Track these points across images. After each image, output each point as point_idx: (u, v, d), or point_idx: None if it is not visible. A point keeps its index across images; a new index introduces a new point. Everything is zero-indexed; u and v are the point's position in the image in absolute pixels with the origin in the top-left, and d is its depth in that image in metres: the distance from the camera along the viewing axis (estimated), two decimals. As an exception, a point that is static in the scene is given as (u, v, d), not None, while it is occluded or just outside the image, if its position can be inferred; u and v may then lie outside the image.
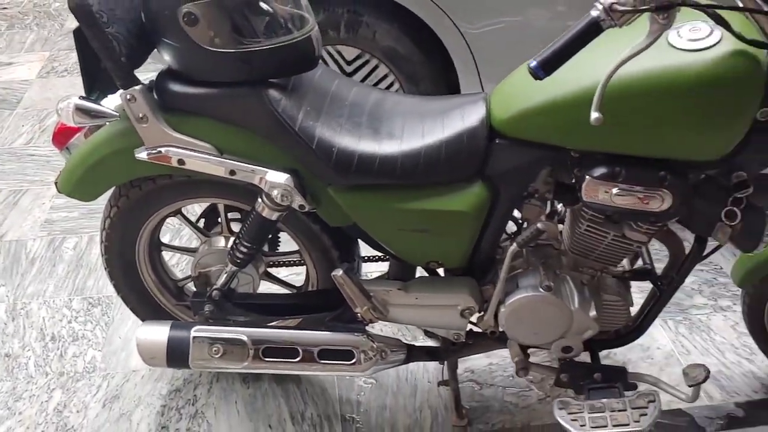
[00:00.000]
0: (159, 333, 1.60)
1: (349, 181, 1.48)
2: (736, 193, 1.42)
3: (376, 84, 2.52)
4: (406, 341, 1.74)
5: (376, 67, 2.49)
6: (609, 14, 1.14)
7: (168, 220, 1.79)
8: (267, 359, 1.60)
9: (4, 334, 2.17)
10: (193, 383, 2.00)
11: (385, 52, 2.42)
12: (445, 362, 1.84)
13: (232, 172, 1.49)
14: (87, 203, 1.80)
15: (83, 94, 1.46)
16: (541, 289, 1.54)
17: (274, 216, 1.54)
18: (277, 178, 1.48)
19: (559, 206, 1.64)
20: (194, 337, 1.58)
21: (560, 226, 1.62)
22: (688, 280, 1.70)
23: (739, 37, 1.24)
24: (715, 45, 1.28)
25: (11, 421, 1.91)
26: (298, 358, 1.60)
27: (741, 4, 1.22)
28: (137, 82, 1.45)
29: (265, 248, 1.85)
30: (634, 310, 1.68)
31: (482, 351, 1.78)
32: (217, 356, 1.58)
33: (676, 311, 2.24)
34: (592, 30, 1.16)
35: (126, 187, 1.66)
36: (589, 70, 1.34)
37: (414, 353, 1.72)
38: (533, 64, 1.18)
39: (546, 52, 1.18)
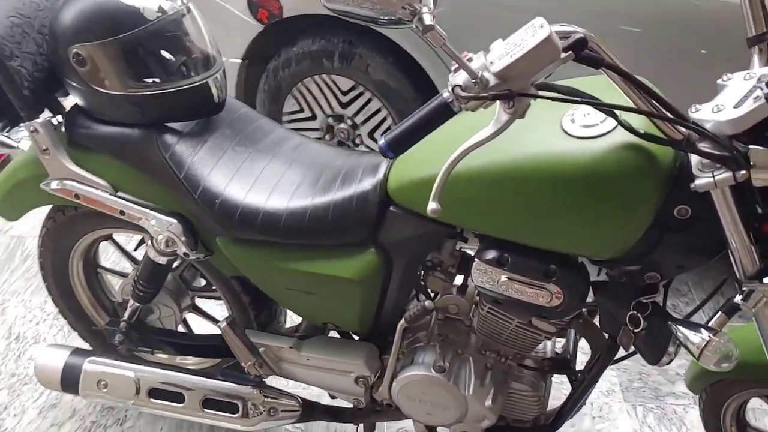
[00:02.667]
0: (56, 358, 1.62)
1: (232, 234, 1.43)
2: (642, 297, 1.26)
3: (369, 118, 2.47)
4: (309, 399, 1.67)
5: (369, 100, 2.42)
6: (457, 98, 1.03)
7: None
8: (153, 400, 1.58)
9: (-23, 328, 2.29)
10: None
11: (378, 86, 2.35)
12: (361, 425, 1.75)
13: (122, 212, 1.48)
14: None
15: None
16: (433, 370, 1.43)
17: (162, 260, 1.52)
18: (161, 223, 1.45)
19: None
20: (85, 369, 1.59)
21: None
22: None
23: (629, 128, 1.09)
24: (606, 134, 1.14)
25: (-47, 415, 2.01)
26: (182, 404, 1.57)
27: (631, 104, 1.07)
28: (40, 112, 1.47)
29: (198, 282, 1.84)
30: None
31: (391, 419, 1.68)
32: (104, 390, 1.58)
33: (651, 396, 2.04)
34: (443, 111, 1.06)
35: (53, 210, 1.69)
36: (492, 148, 1.22)
37: (316, 412, 1.66)
38: (382, 142, 1.09)
39: (396, 130, 1.08)
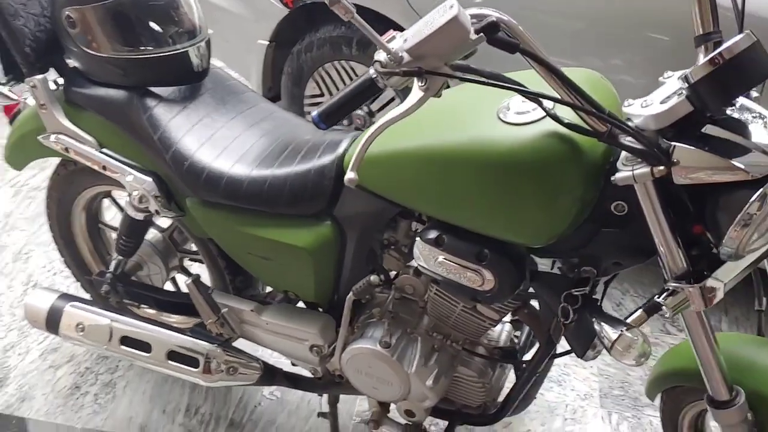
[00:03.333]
0: (44, 300, 1.74)
1: (199, 196, 1.51)
2: (573, 289, 1.27)
3: (384, 105, 2.51)
4: (272, 365, 1.73)
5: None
6: (380, 74, 1.07)
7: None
8: (123, 347, 1.68)
9: (1, 273, 2.46)
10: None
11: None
12: (325, 396, 1.81)
13: (104, 168, 1.58)
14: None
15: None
16: (379, 344, 1.48)
17: (138, 216, 1.61)
18: (137, 180, 1.55)
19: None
20: (66, 311, 1.71)
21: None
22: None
23: (554, 117, 1.11)
24: (534, 122, 1.16)
25: (-34, 348, 2.18)
26: (149, 354, 1.66)
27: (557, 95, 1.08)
28: (45, 71, 1.59)
29: (190, 246, 1.94)
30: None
31: (350, 393, 1.73)
32: (81, 333, 1.69)
33: (629, 405, 2.02)
34: (368, 86, 1.10)
35: (59, 165, 1.82)
36: (430, 129, 1.26)
37: (276, 377, 1.72)
38: (314, 114, 1.15)
39: (327, 103, 1.13)
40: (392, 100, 2.49)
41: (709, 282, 1.12)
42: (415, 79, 1.06)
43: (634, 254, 1.24)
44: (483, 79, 1.04)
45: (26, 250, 2.56)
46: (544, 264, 1.42)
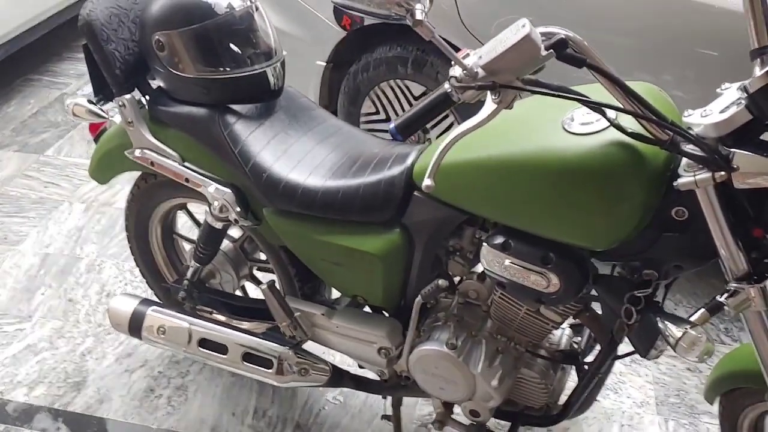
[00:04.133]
0: (127, 305, 1.86)
1: (276, 206, 1.62)
2: (636, 291, 1.33)
3: (438, 123, 2.60)
4: (340, 366, 1.82)
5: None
6: (453, 88, 1.16)
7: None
8: (202, 349, 1.79)
9: (77, 284, 2.60)
10: (190, 360, 2.25)
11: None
12: (389, 397, 1.88)
13: (187, 180, 1.70)
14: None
15: (92, 97, 1.77)
16: (445, 346, 1.55)
17: (219, 225, 1.72)
18: (217, 191, 1.66)
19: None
20: (148, 315, 1.82)
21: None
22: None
23: (618, 127, 1.18)
24: (598, 132, 1.23)
25: (47, 353, 2.31)
26: (226, 355, 1.77)
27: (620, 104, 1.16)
28: (131, 91, 1.72)
29: (258, 255, 2.04)
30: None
31: (414, 395, 1.80)
32: (162, 336, 1.80)
33: (685, 413, 2.05)
34: (443, 99, 1.19)
35: (139, 178, 1.95)
36: (498, 140, 1.34)
37: (344, 380, 1.80)
38: (392, 126, 1.24)
39: (404, 116, 1.23)
40: (446, 116, 2.57)
41: (768, 282, 1.17)
42: (489, 93, 1.14)
43: (694, 258, 1.29)
44: (552, 92, 1.12)
45: (98, 262, 2.70)
46: (604, 268, 1.48)
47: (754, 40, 1.20)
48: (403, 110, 2.68)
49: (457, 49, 1.19)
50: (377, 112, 2.75)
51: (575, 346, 1.64)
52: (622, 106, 1.15)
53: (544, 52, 1.09)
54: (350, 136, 1.72)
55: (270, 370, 1.74)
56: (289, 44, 2.84)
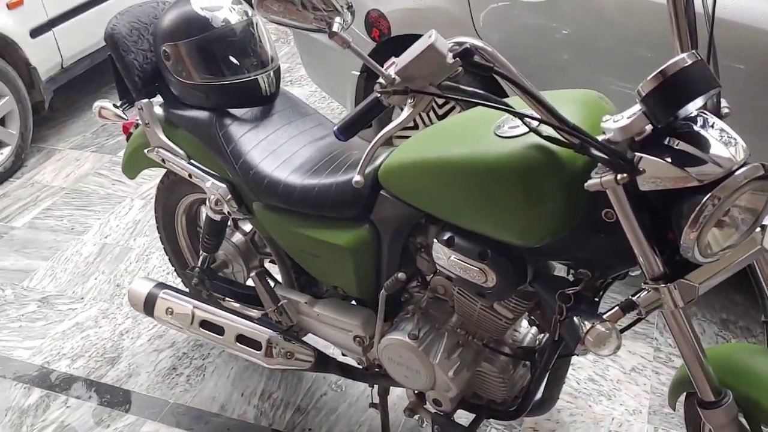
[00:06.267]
0: (144, 287, 2.07)
1: (262, 200, 1.78)
2: (565, 288, 1.39)
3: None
4: (327, 354, 1.95)
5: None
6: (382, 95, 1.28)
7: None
8: (202, 329, 1.97)
9: (126, 271, 2.87)
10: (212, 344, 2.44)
11: (468, 102, 2.58)
12: (375, 386, 2.00)
13: (190, 176, 1.89)
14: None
15: (116, 102, 2.00)
16: (407, 336, 1.66)
17: (217, 217, 1.90)
18: (214, 186, 1.84)
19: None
20: (160, 297, 2.02)
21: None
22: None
23: (534, 130, 1.26)
24: (519, 136, 1.31)
25: (90, 331, 2.58)
26: (222, 336, 1.94)
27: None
28: (152, 96, 1.93)
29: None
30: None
31: (392, 384, 1.90)
32: (170, 316, 2.00)
33: (677, 424, 2.05)
34: (376, 105, 1.31)
35: (164, 175, 2.17)
36: (440, 142, 1.45)
37: (329, 366, 1.93)
38: (335, 128, 1.37)
39: (345, 119, 1.35)
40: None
41: (681, 282, 1.21)
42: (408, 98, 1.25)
43: (624, 259, 1.34)
44: (465, 98, 1.22)
45: (147, 253, 2.96)
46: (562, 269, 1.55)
47: (677, 46, 1.26)
48: (430, 119, 2.78)
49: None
50: (406, 120, 2.87)
51: (537, 343, 1.70)
52: (532, 113, 1.23)
53: (450, 60, 1.19)
54: (328, 137, 1.86)
55: (259, 352, 1.89)
56: (328, 54, 3.04)
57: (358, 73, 2.91)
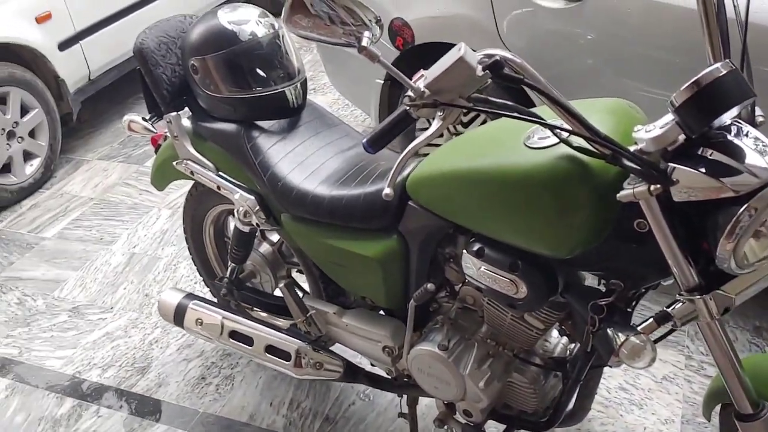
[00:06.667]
0: (173, 298, 2.08)
1: (290, 212, 1.79)
2: (598, 299, 1.38)
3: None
4: (356, 364, 1.95)
5: (485, 122, 2.65)
6: (410, 107, 1.28)
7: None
8: (232, 340, 1.98)
9: (155, 281, 2.90)
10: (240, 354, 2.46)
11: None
12: (404, 396, 2.00)
13: (219, 188, 1.90)
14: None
15: (144, 114, 2.02)
16: (437, 347, 1.65)
17: (246, 228, 1.91)
18: (242, 198, 1.85)
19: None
20: (189, 308, 2.04)
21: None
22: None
23: (565, 142, 1.25)
24: (550, 147, 1.30)
25: (120, 341, 2.61)
26: (251, 347, 1.95)
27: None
28: (180, 108, 1.95)
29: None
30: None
31: (420, 394, 1.89)
32: (199, 326, 2.02)
33: (711, 434, 2.01)
34: (404, 117, 1.31)
35: (192, 186, 2.19)
36: (469, 154, 1.44)
37: (358, 376, 1.93)
38: (364, 140, 1.37)
39: (374, 131, 1.35)
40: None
41: (717, 294, 1.20)
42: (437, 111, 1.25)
43: (657, 270, 1.32)
44: (494, 110, 1.21)
45: (175, 262, 2.99)
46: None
47: (709, 55, 1.24)
48: (454, 127, 2.78)
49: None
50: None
51: (569, 354, 1.69)
52: (563, 124, 1.22)
53: (480, 73, 1.18)
54: (355, 148, 1.86)
55: (288, 362, 1.90)
56: (352, 64, 3.05)
57: (382, 82, 2.92)
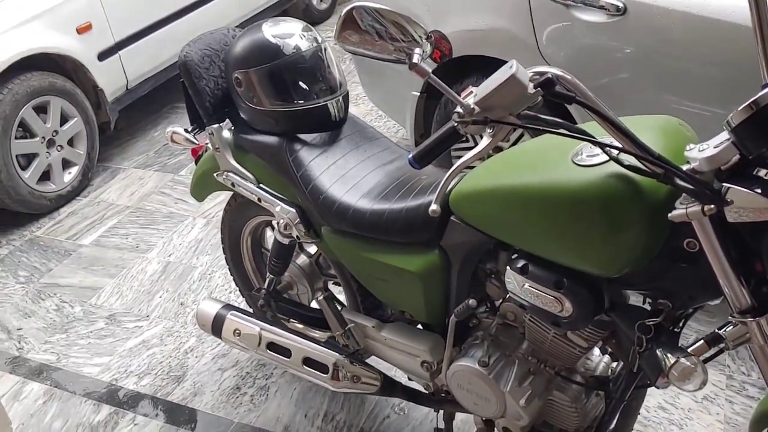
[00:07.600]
0: (212, 308, 2.10)
1: (331, 225, 1.79)
2: (646, 319, 1.36)
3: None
4: (393, 378, 1.95)
5: (522, 135, 2.64)
6: (458, 123, 1.28)
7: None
8: (269, 351, 1.99)
9: (189, 290, 2.93)
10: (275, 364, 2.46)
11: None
12: (441, 411, 1.98)
13: (259, 200, 1.91)
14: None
15: (182, 125, 2.04)
16: (477, 363, 1.64)
17: (286, 241, 1.92)
18: (283, 210, 1.86)
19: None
20: (227, 319, 2.05)
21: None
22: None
23: (615, 160, 1.24)
24: (599, 165, 1.29)
25: (156, 349, 2.63)
26: (289, 359, 1.95)
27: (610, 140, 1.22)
28: (222, 120, 1.97)
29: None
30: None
31: (458, 410, 1.88)
32: (237, 337, 2.02)
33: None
34: (452, 134, 1.31)
35: (231, 197, 2.21)
36: (515, 170, 1.44)
37: (395, 390, 1.93)
38: (410, 156, 1.37)
39: (420, 147, 1.36)
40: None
41: (771, 317, 1.18)
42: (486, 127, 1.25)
43: (706, 290, 1.30)
44: (545, 127, 1.21)
45: (210, 272, 3.01)
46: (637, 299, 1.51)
47: (765, 74, 1.22)
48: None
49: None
50: (466, 140, 2.86)
51: (611, 373, 1.67)
52: (614, 142, 1.21)
53: (531, 90, 1.18)
54: (406, 162, 1.86)
55: (326, 375, 1.90)
56: (387, 75, 3.06)
57: (418, 94, 2.92)
